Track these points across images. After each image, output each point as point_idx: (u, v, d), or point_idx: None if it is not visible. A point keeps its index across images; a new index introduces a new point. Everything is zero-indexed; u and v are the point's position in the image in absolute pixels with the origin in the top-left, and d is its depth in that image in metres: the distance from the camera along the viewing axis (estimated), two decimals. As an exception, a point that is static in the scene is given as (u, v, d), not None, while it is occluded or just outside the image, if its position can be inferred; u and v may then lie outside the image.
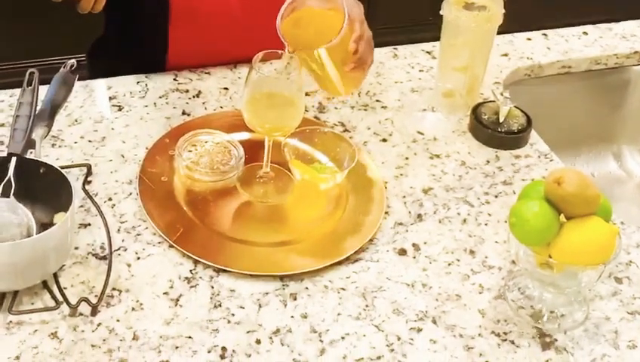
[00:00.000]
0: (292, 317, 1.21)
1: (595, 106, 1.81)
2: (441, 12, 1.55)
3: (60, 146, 1.44)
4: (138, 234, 1.30)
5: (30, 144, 1.31)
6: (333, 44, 1.34)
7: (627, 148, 1.83)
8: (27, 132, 1.30)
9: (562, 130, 1.74)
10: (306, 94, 1.56)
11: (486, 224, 1.38)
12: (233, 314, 1.20)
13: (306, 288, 1.25)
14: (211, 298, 1.22)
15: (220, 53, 1.65)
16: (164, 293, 1.22)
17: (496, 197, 1.42)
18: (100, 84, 1.59)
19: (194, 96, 1.57)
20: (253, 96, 1.33)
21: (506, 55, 1.75)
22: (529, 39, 1.81)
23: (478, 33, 1.55)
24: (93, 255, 1.26)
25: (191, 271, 1.25)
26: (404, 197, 1.41)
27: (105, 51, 1.78)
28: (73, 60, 1.45)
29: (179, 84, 1.60)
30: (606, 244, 1.23)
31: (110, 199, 1.35)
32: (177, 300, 1.21)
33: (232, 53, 1.65)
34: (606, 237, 1.23)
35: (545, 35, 1.83)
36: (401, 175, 1.45)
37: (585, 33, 1.84)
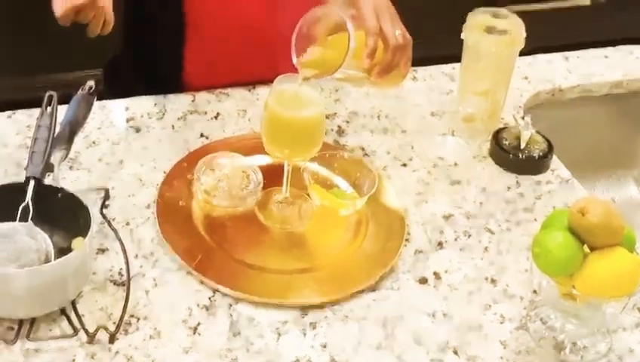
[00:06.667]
0: (312, 346, 1.19)
1: (616, 130, 1.80)
2: (461, 36, 1.54)
3: (77, 169, 1.43)
4: (156, 260, 1.29)
5: (48, 167, 1.30)
6: (338, 77, 1.32)
7: (648, 172, 1.82)
8: (45, 155, 1.29)
9: (583, 154, 1.72)
10: (325, 117, 1.55)
11: (507, 252, 1.36)
12: (252, 343, 1.19)
13: (326, 317, 1.24)
14: (230, 326, 1.21)
15: (237, 72, 1.65)
16: (183, 321, 1.20)
17: (517, 224, 1.41)
18: (118, 105, 1.58)
19: (212, 118, 1.56)
20: (273, 121, 1.32)
21: (526, 78, 1.74)
22: (549, 62, 1.79)
23: (500, 58, 1.54)
24: (111, 281, 1.24)
25: (209, 298, 1.24)
26: (425, 224, 1.39)
27: (122, 68, 1.77)
28: (92, 82, 1.44)
29: (197, 105, 1.59)
30: (631, 276, 1.21)
31: (128, 224, 1.34)
32: (196, 328, 1.20)
33: (250, 73, 1.64)
34: (631, 268, 1.22)
35: (566, 57, 1.81)
36: (422, 201, 1.43)
37: (606, 57, 1.82)
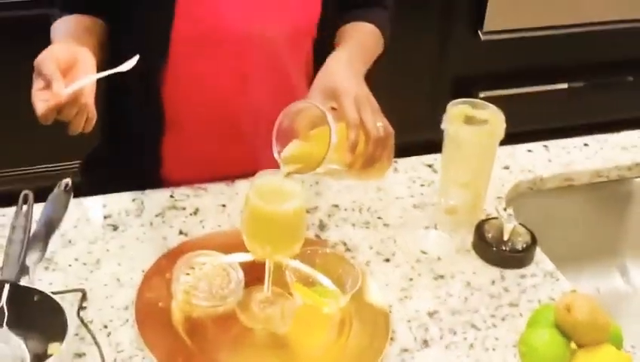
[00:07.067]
0: None
1: (599, 219, 1.78)
2: (442, 126, 1.53)
3: (53, 270, 1.39)
4: (135, 365, 1.25)
5: (24, 270, 1.27)
6: (320, 171, 1.31)
7: (632, 262, 1.79)
8: (21, 258, 1.26)
9: (566, 244, 1.70)
10: (306, 211, 1.53)
11: (494, 349, 1.33)
12: None
13: (310, 421, 1.20)
14: None
15: (217, 166, 1.63)
16: None
17: (503, 319, 1.38)
18: (95, 202, 1.56)
19: (191, 214, 1.54)
20: (253, 216, 1.30)
21: (507, 168, 1.73)
22: (530, 151, 1.79)
23: (480, 148, 1.53)
24: (89, 388, 1.21)
25: (190, 405, 1.20)
26: (409, 321, 1.36)
27: (100, 161, 1.76)
28: (68, 179, 1.42)
29: (175, 201, 1.57)
30: (620, 375, 1.20)
31: (106, 326, 1.30)
32: None
33: (230, 168, 1.62)
34: (620, 367, 1.20)
35: (545, 146, 1.81)
36: (406, 297, 1.41)
37: (585, 145, 1.82)
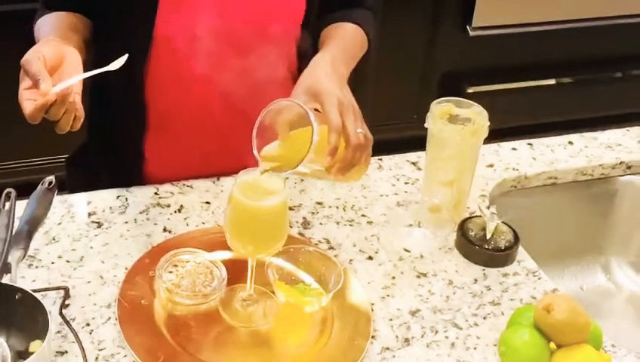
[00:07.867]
0: None
1: (582, 218, 1.79)
2: (425, 125, 1.53)
3: (36, 267, 1.39)
4: (117, 363, 1.26)
5: (6, 268, 1.27)
6: (299, 170, 1.30)
7: (615, 259, 1.80)
8: (3, 256, 1.26)
9: (549, 241, 1.71)
10: (290, 208, 1.54)
11: (475, 348, 1.34)
12: None
13: (291, 420, 1.21)
14: None
15: (200, 164, 1.63)
16: None
17: (484, 318, 1.39)
18: (79, 199, 1.56)
19: (175, 211, 1.54)
20: (236, 212, 1.30)
21: (491, 166, 1.73)
22: (514, 149, 1.79)
23: (464, 147, 1.54)
24: (70, 386, 1.21)
25: (171, 403, 1.21)
26: (391, 319, 1.37)
27: (85, 158, 1.75)
28: (51, 177, 1.42)
29: (160, 198, 1.57)
30: (599, 375, 1.20)
31: (88, 324, 1.30)
32: None
33: (213, 166, 1.63)
34: (598, 367, 1.21)
35: (530, 144, 1.81)
36: (388, 296, 1.41)
37: (570, 143, 1.82)
